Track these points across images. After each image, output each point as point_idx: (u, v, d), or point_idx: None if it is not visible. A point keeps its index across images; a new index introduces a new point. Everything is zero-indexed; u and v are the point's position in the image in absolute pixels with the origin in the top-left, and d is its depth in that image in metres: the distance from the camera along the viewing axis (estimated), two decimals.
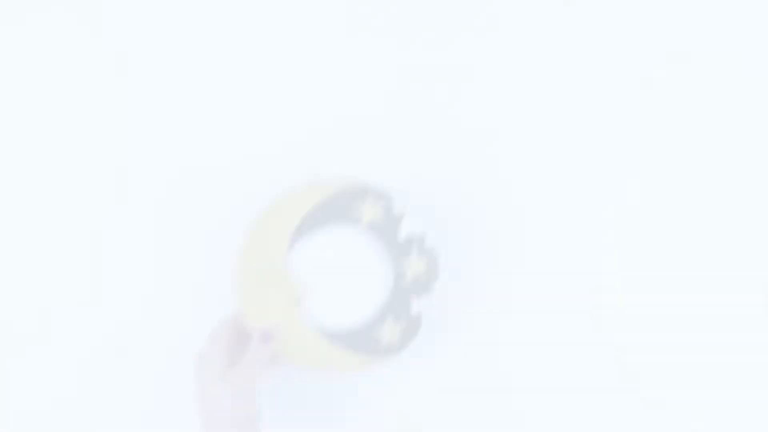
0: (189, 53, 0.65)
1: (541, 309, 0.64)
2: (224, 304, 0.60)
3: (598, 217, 0.64)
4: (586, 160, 0.64)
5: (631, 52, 0.64)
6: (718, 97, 0.64)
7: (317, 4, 0.64)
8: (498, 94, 0.64)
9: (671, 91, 0.64)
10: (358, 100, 0.64)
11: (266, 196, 0.61)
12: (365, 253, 0.61)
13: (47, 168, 0.66)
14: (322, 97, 0.64)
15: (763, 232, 0.64)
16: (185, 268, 0.65)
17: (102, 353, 0.65)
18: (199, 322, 0.62)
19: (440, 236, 0.62)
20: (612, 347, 0.65)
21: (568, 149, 0.64)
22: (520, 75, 0.64)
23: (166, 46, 0.65)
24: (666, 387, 0.65)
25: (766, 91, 0.63)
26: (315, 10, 0.64)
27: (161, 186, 0.65)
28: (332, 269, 0.61)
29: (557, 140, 0.64)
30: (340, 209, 0.60)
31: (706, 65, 0.63)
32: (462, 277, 0.64)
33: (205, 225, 0.65)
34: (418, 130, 0.64)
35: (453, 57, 0.64)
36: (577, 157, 0.64)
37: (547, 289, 0.64)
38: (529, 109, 0.64)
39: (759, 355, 0.64)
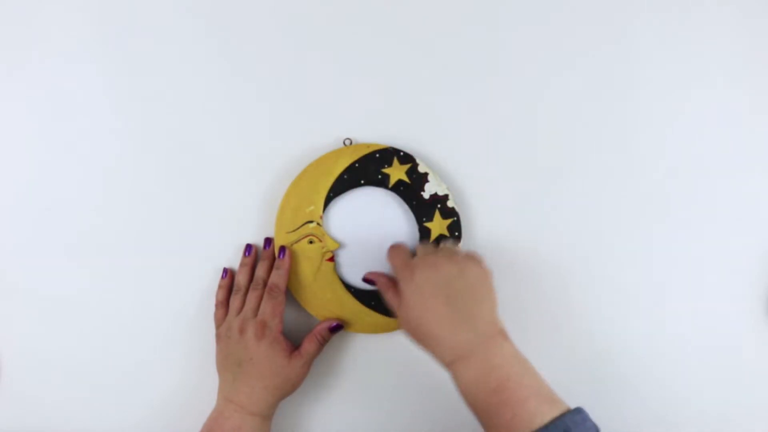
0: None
1: (560, 268, 0.65)
2: None
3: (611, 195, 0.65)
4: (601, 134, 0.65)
5: None
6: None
7: None
8: (522, 60, 0.64)
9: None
10: (387, 69, 0.64)
11: (299, 159, 0.64)
12: (392, 213, 0.64)
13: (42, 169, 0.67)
14: (352, 67, 0.64)
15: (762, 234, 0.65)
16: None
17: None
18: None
19: (462, 197, 0.64)
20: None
21: (590, 118, 0.65)
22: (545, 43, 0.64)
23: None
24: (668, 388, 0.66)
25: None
26: None
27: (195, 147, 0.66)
28: (361, 227, 0.64)
29: (584, 109, 0.65)
30: (369, 171, 0.63)
31: (711, 68, 0.65)
32: (485, 236, 0.65)
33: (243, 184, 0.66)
34: (443, 96, 0.64)
35: (477, 31, 0.64)
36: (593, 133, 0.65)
37: (566, 248, 0.65)
38: (552, 72, 0.64)
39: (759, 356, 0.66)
